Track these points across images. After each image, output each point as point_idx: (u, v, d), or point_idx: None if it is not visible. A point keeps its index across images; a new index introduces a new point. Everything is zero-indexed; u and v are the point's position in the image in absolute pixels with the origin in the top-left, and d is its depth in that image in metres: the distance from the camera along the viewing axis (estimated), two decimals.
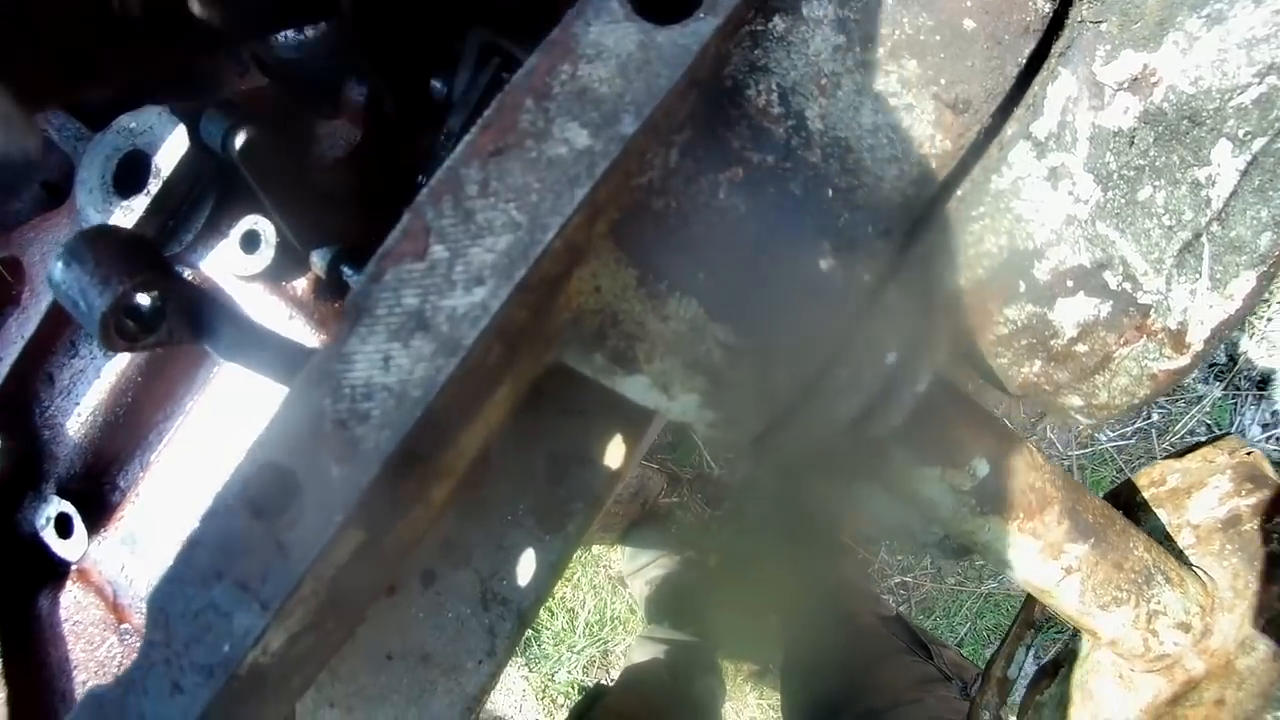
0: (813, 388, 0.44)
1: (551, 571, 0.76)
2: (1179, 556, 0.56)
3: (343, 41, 0.65)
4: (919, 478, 0.52)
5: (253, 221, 0.64)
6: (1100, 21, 0.42)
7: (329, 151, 0.69)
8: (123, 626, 0.65)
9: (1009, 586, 1.72)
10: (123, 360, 0.66)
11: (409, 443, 0.35)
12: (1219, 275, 0.44)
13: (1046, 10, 0.43)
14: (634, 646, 1.75)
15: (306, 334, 0.63)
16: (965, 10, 0.42)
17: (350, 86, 0.67)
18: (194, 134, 0.63)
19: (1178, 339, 0.46)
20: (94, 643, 0.65)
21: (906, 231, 0.46)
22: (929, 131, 0.43)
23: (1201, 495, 0.61)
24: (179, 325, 0.47)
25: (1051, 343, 0.47)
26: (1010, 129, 0.43)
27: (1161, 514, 0.64)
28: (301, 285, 0.64)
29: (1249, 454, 0.61)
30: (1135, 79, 0.41)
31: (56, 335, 0.66)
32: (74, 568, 0.66)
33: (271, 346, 0.47)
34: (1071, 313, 0.46)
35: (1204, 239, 0.43)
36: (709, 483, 1.92)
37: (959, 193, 0.45)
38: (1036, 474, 0.53)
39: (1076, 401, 0.50)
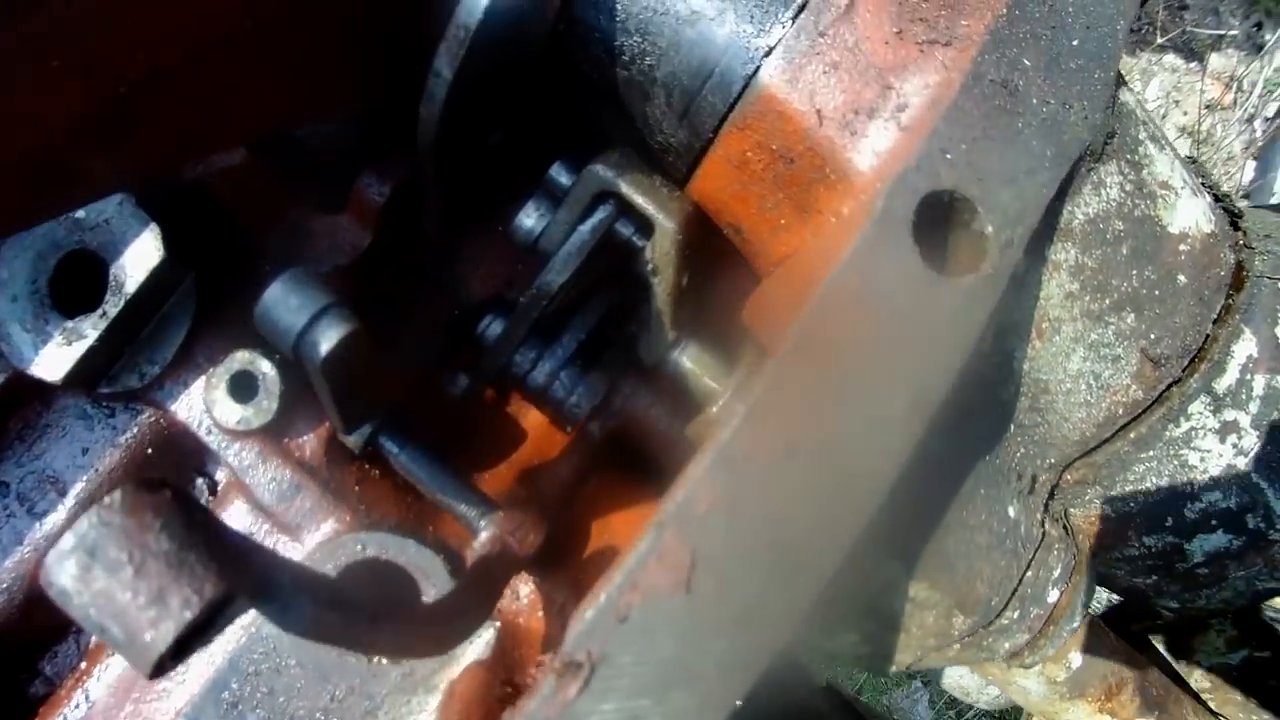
0: (982, 628, 0.42)
1: None
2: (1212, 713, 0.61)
3: (374, 135, 0.53)
4: (1019, 671, 0.52)
5: (246, 361, 0.50)
6: (1278, 279, 0.43)
7: (329, 256, 0.56)
8: None
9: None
10: (62, 514, 0.51)
11: None
12: None
13: (1232, 261, 0.43)
14: None
15: (317, 508, 0.51)
16: (1180, 264, 0.40)
17: (367, 181, 0.54)
18: (167, 240, 0.49)
19: None
20: None
21: (1069, 464, 0.45)
22: (1126, 382, 0.41)
23: (1205, 638, 0.66)
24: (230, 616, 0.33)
25: (1176, 566, 0.48)
26: (1193, 382, 0.43)
27: (1165, 651, 0.69)
28: (310, 443, 0.51)
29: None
30: None
31: None
32: None
33: (356, 635, 0.35)
34: (1206, 545, 0.47)
35: None
36: None
37: (1132, 435, 0.44)
38: (1115, 656, 0.55)
39: (1172, 604, 0.52)
